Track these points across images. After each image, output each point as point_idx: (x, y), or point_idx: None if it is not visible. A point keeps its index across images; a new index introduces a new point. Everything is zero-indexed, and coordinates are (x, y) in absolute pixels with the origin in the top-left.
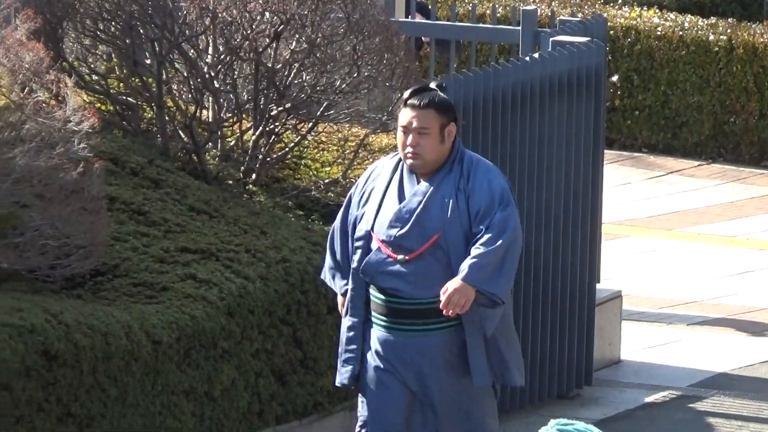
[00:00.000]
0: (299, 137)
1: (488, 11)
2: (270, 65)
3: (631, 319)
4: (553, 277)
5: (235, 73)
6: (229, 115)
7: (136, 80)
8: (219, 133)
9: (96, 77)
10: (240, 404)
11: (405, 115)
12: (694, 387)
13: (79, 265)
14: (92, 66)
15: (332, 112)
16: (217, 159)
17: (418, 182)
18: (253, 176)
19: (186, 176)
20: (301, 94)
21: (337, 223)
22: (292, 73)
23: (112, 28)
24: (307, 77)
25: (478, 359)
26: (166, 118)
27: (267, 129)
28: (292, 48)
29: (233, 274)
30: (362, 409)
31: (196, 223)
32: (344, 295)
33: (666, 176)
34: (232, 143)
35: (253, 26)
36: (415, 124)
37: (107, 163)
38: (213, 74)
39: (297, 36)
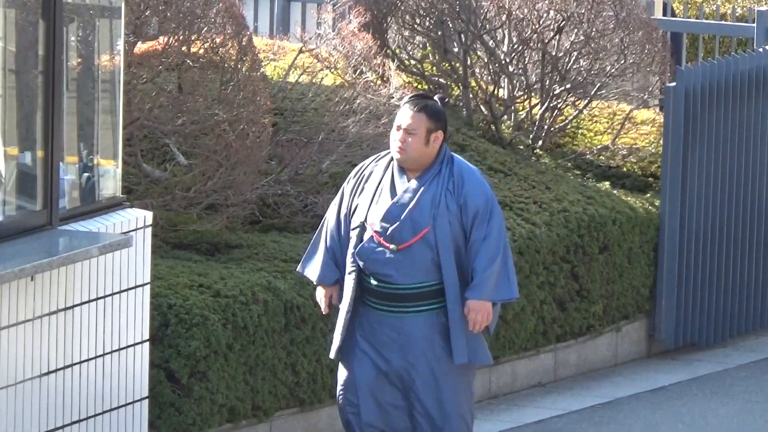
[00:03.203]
0: (577, 111)
1: (729, 11)
2: (554, 53)
3: None
4: None
5: (526, 59)
6: (521, 93)
7: (446, 65)
8: (512, 107)
9: (413, 62)
10: (528, 326)
11: (400, 115)
12: None
13: None
14: (410, 53)
15: (603, 91)
16: (510, 128)
17: (409, 180)
18: (540, 142)
19: (486, 142)
20: (578, 77)
21: (329, 214)
22: (572, 60)
23: (427, 23)
24: (584, 63)
25: (458, 340)
26: (470, 95)
27: (551, 105)
28: (571, 40)
29: (523, 221)
30: (340, 376)
31: (494, 180)
32: (329, 285)
33: None
34: (522, 116)
35: (540, 22)
36: (406, 123)
37: None
38: (508, 60)
39: (576, 30)
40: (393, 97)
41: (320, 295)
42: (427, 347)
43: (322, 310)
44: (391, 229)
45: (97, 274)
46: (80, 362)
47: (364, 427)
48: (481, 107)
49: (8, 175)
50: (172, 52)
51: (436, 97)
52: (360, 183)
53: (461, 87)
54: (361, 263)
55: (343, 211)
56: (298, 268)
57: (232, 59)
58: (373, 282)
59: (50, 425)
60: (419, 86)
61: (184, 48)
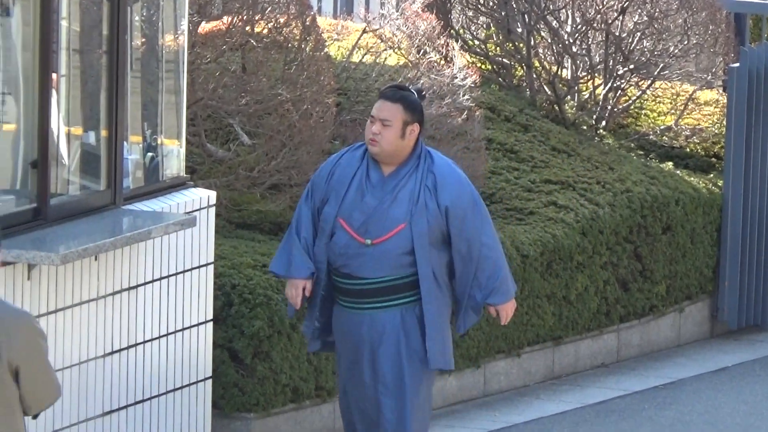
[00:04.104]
0: (640, 92)
1: None
2: (617, 34)
3: None
4: None
5: (589, 40)
6: (584, 73)
7: (510, 45)
8: (576, 88)
9: (477, 42)
10: (590, 306)
11: (376, 106)
12: None
13: None
14: (474, 33)
15: (666, 72)
16: (574, 109)
17: (385, 174)
18: (603, 123)
19: (549, 122)
20: (641, 58)
21: (300, 208)
22: (635, 41)
23: (491, 3)
24: (647, 44)
25: (433, 344)
26: (534, 75)
27: (614, 85)
28: (635, 20)
29: (586, 201)
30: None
31: (557, 160)
32: (303, 278)
33: None
34: (586, 96)
35: (604, 2)
36: (381, 115)
37: (486, 111)
38: (571, 41)
39: (639, 10)
40: (456, 78)
41: (292, 289)
42: (396, 342)
43: (296, 305)
44: (365, 223)
45: (161, 254)
46: (144, 342)
47: None
48: (545, 87)
49: (72, 154)
50: (236, 32)
51: (413, 89)
52: (332, 175)
53: (524, 67)
54: (332, 257)
55: (316, 204)
56: (270, 267)
57: (295, 39)
58: (344, 279)
59: (114, 405)
60: (483, 66)
61: (247, 28)
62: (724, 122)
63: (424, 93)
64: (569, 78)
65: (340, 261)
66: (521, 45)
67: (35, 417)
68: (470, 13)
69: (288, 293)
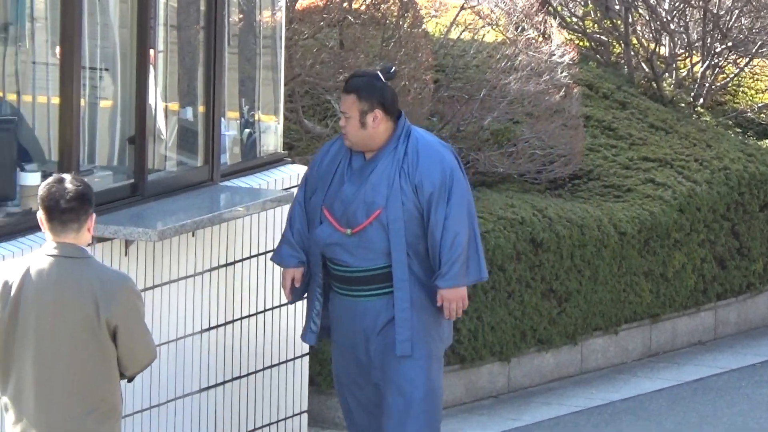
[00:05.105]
0: (738, 69)
1: None
2: (715, 12)
3: None
4: None
5: (687, 17)
6: (682, 51)
7: (608, 22)
8: (673, 65)
9: (575, 19)
10: (688, 283)
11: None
12: None
13: (560, 171)
14: (572, 10)
15: (765, 49)
16: (671, 86)
17: (365, 160)
18: (701, 100)
19: (647, 100)
20: (740, 35)
21: (296, 198)
22: (733, 18)
23: None
24: (745, 21)
25: (401, 330)
26: (632, 53)
27: (712, 63)
28: None
29: (684, 179)
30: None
31: (655, 137)
32: (291, 267)
33: None
34: (684, 74)
35: None
36: (341, 107)
37: (584, 88)
38: (669, 18)
39: None
40: (554, 55)
41: (282, 278)
42: (383, 331)
43: (286, 296)
44: (345, 212)
45: (258, 230)
46: (241, 318)
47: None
48: (642, 65)
49: (170, 130)
50: (333, 8)
51: (378, 69)
52: (321, 164)
53: (622, 45)
54: (318, 249)
55: (308, 194)
56: (271, 258)
57: (393, 16)
58: (335, 266)
59: (211, 381)
60: (580, 43)
61: (345, 4)
62: None
63: (393, 70)
64: (667, 55)
65: (328, 251)
66: (619, 22)
67: (131, 380)
68: None
69: (281, 283)
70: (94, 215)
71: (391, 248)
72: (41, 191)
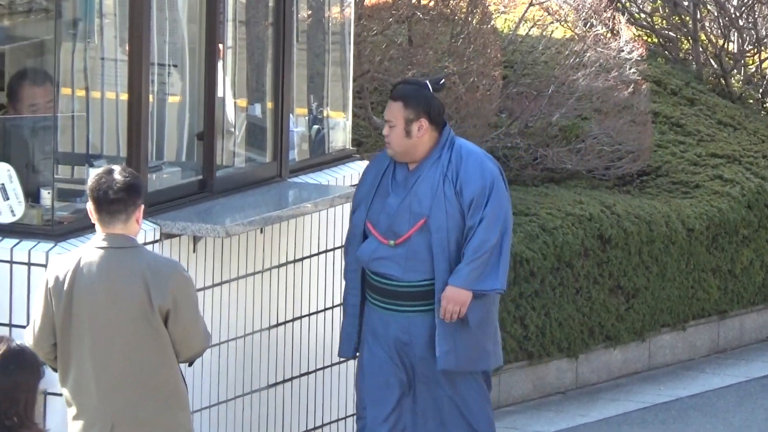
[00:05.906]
0: None
1: None
2: None
3: None
4: None
5: (756, 13)
6: (751, 47)
7: (676, 18)
8: (742, 61)
9: (643, 15)
10: (756, 280)
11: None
12: None
13: (628, 167)
14: (640, 6)
15: None
16: (740, 82)
17: (410, 170)
18: None
19: (715, 96)
20: None
21: (352, 218)
22: None
23: None
24: None
25: (442, 343)
26: (700, 49)
27: None
28: None
29: (752, 175)
30: (361, 391)
31: (723, 134)
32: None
33: None
34: (752, 70)
35: None
36: (386, 116)
37: (652, 84)
38: (738, 14)
39: None
40: (623, 51)
41: None
42: (430, 349)
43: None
44: (390, 224)
45: (326, 227)
46: (309, 315)
47: None
48: (711, 61)
49: (238, 126)
50: (402, 5)
51: (429, 80)
52: (364, 183)
53: (691, 41)
54: (362, 264)
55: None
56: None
57: (462, 12)
58: (375, 278)
59: (279, 377)
60: (649, 39)
61: (414, 0)
62: None
63: (442, 81)
64: (735, 51)
65: (374, 265)
66: (687, 18)
67: (190, 364)
68: None
69: None
70: (142, 206)
71: (434, 258)
72: (90, 182)
